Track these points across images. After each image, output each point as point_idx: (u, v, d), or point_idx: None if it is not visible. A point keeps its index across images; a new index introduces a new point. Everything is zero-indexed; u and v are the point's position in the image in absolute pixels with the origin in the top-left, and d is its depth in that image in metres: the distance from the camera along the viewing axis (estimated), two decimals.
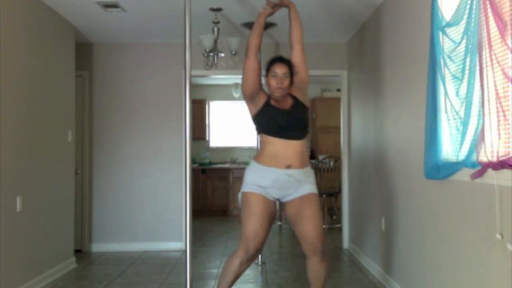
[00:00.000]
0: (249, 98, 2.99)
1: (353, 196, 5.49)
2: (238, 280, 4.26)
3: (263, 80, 3.04)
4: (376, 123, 4.46)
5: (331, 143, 8.48)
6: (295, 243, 5.96)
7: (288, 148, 2.88)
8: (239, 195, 3.00)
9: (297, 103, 2.99)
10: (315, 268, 2.96)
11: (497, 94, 2.10)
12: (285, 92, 2.95)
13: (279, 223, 7.21)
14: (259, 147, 3.10)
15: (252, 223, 2.87)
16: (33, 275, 3.97)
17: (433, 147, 2.79)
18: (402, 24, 3.69)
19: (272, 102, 2.96)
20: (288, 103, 2.97)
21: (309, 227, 2.90)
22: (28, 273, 3.89)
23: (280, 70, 2.91)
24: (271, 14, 3.10)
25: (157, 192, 5.70)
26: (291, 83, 2.96)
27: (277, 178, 2.87)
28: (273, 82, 2.90)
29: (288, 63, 2.96)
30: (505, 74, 2.04)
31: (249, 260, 2.92)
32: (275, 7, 3.08)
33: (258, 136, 3.08)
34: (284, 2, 3.09)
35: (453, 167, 2.55)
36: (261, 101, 2.96)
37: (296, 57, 3.07)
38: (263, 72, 3.03)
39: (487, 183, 2.25)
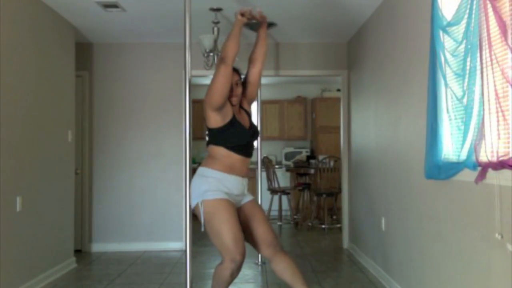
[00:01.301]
0: (217, 109, 2.80)
1: (353, 196, 5.49)
2: (238, 280, 4.26)
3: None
4: (376, 123, 4.46)
5: (331, 143, 8.49)
6: (295, 243, 5.97)
7: (243, 162, 2.92)
8: (199, 205, 2.79)
9: (251, 122, 3.04)
10: (284, 264, 2.89)
11: (496, 94, 2.10)
12: (239, 100, 2.98)
13: (279, 223, 7.22)
14: (212, 154, 2.90)
15: (230, 229, 2.73)
16: (33, 275, 3.97)
17: (434, 147, 2.79)
18: (402, 24, 3.69)
19: (237, 118, 2.93)
20: (245, 120, 3.01)
21: (265, 228, 2.93)
22: (28, 273, 3.89)
23: (232, 77, 2.88)
24: (247, 24, 3.03)
25: (157, 192, 5.70)
26: (244, 94, 3.00)
27: (234, 186, 2.87)
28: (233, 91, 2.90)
29: (237, 71, 2.97)
30: (504, 75, 2.04)
31: (239, 267, 2.80)
32: (252, 18, 2.98)
33: (212, 146, 2.90)
34: (260, 17, 3.01)
35: (454, 167, 2.54)
36: (229, 114, 2.86)
37: (254, 75, 3.05)
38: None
39: (487, 183, 2.25)
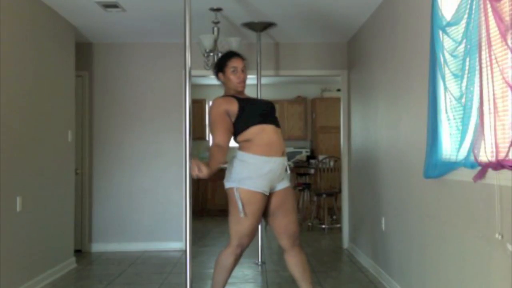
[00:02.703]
0: (230, 128, 2.93)
1: (353, 196, 5.49)
2: (238, 280, 4.26)
3: (214, 80, 3.12)
4: (376, 123, 4.46)
5: (331, 143, 8.50)
6: None
7: (277, 134, 2.94)
8: (234, 190, 2.84)
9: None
10: (298, 259, 2.98)
11: (494, 94, 2.10)
12: (245, 86, 3.06)
13: None
14: (246, 139, 2.92)
15: (252, 222, 2.86)
16: (33, 275, 3.97)
17: (434, 147, 2.79)
18: (402, 24, 3.69)
19: (242, 98, 3.00)
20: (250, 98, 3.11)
21: (291, 219, 2.98)
22: (28, 273, 3.89)
23: (239, 64, 2.98)
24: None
25: (157, 192, 5.70)
26: None
27: (273, 168, 2.87)
28: (235, 77, 2.98)
29: (242, 57, 3.05)
30: (503, 75, 2.04)
31: (241, 254, 2.96)
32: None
33: (241, 135, 2.92)
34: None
35: (451, 166, 2.55)
36: (234, 106, 2.92)
37: None
38: (214, 69, 3.11)
39: (487, 183, 2.25)
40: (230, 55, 3.05)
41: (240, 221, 2.85)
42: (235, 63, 2.99)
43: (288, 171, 3.02)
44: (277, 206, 2.95)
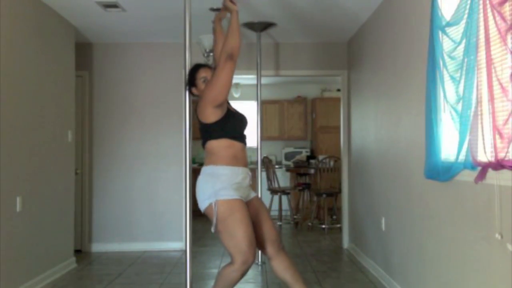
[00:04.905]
0: (220, 105, 2.79)
1: (353, 196, 5.49)
2: None
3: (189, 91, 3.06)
4: (376, 123, 4.46)
5: (331, 143, 8.49)
6: (295, 243, 5.97)
7: (243, 150, 2.90)
8: (213, 206, 2.68)
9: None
10: (285, 263, 2.90)
11: (488, 95, 2.10)
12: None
13: (279, 223, 7.22)
14: (212, 151, 2.83)
15: (245, 232, 2.68)
16: (33, 275, 3.97)
17: (433, 147, 2.79)
18: (402, 24, 3.69)
19: (229, 107, 2.97)
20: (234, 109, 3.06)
21: (270, 226, 2.92)
22: (28, 273, 3.89)
23: (207, 73, 2.92)
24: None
25: (157, 192, 5.70)
26: None
27: (242, 178, 2.83)
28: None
29: (210, 66, 3.01)
30: (498, 78, 2.04)
31: (249, 268, 2.77)
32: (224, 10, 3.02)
33: (210, 142, 2.83)
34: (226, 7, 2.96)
35: (453, 168, 2.54)
36: (225, 105, 2.87)
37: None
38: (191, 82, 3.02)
39: (487, 183, 2.25)
40: (197, 67, 2.95)
41: (236, 234, 2.68)
42: (203, 73, 2.91)
43: (250, 183, 2.97)
44: (254, 215, 2.88)
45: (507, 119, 2.03)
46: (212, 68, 2.97)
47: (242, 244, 2.67)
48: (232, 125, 2.86)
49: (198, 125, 2.89)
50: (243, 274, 2.74)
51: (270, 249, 2.89)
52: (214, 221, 2.70)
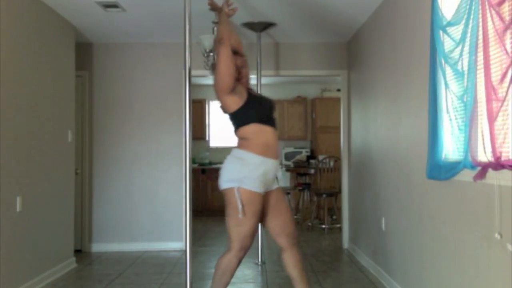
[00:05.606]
0: (230, 90, 2.83)
1: (353, 196, 5.49)
2: (238, 280, 4.26)
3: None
4: (376, 123, 4.46)
5: (331, 143, 8.49)
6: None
7: (275, 136, 2.92)
8: (235, 190, 2.77)
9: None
10: (297, 259, 2.98)
11: (488, 95, 2.10)
12: (248, 82, 3.07)
13: None
14: (244, 136, 2.87)
15: (253, 222, 2.82)
16: (33, 275, 3.97)
17: (435, 147, 2.79)
18: (402, 24, 3.69)
19: (251, 93, 2.99)
20: (257, 94, 3.12)
21: (288, 218, 2.99)
22: (28, 273, 3.89)
23: (237, 60, 2.95)
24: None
25: (157, 192, 5.70)
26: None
27: (268, 170, 2.85)
28: (240, 73, 2.96)
29: (239, 53, 3.02)
30: (491, 79, 2.04)
31: (244, 256, 2.92)
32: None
33: (241, 129, 2.87)
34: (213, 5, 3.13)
35: (454, 167, 2.54)
36: (242, 90, 2.91)
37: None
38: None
39: (487, 183, 2.25)
40: (233, 52, 2.96)
41: (241, 222, 2.78)
42: (237, 60, 2.95)
43: (280, 175, 2.99)
44: (272, 206, 2.94)
45: (495, 117, 2.04)
46: (244, 56, 3.04)
47: (245, 234, 2.81)
48: (257, 109, 2.90)
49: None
50: (240, 260, 2.88)
51: (284, 241, 2.97)
52: (239, 205, 2.76)
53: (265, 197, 2.91)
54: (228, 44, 2.82)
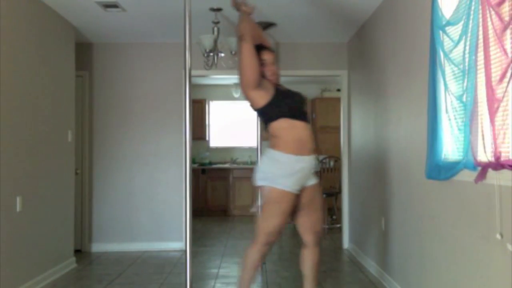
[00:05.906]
0: (255, 85, 2.82)
1: (353, 196, 5.49)
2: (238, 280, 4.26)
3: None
4: (376, 123, 4.46)
5: (331, 143, 8.48)
6: (295, 243, 5.96)
7: (307, 130, 2.88)
8: (268, 189, 2.81)
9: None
10: (316, 258, 3.03)
11: (489, 95, 2.10)
12: (278, 78, 3.03)
13: None
14: (275, 133, 2.85)
15: (281, 220, 2.84)
16: (33, 275, 3.97)
17: (435, 147, 2.79)
18: (402, 24, 3.69)
19: (276, 88, 2.95)
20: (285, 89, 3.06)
21: (318, 217, 3.02)
22: (28, 273, 3.89)
23: (269, 56, 2.94)
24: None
25: (157, 192, 5.70)
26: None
27: (303, 167, 2.84)
28: (266, 70, 2.91)
29: (269, 49, 3.01)
30: (488, 80, 2.04)
31: (268, 252, 2.96)
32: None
33: (271, 125, 2.85)
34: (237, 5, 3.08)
35: (454, 168, 2.54)
36: (269, 86, 2.89)
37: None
38: None
39: (487, 183, 2.25)
40: (260, 47, 2.94)
41: (272, 219, 2.83)
42: (265, 55, 2.92)
43: (318, 169, 3.02)
44: (306, 202, 2.94)
45: (494, 116, 2.04)
46: (274, 52, 3.02)
47: (272, 229, 2.85)
48: (286, 103, 2.86)
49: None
50: (263, 255, 2.91)
51: (310, 238, 3.01)
52: (260, 201, 2.86)
53: (301, 193, 2.90)
54: (249, 39, 2.81)
